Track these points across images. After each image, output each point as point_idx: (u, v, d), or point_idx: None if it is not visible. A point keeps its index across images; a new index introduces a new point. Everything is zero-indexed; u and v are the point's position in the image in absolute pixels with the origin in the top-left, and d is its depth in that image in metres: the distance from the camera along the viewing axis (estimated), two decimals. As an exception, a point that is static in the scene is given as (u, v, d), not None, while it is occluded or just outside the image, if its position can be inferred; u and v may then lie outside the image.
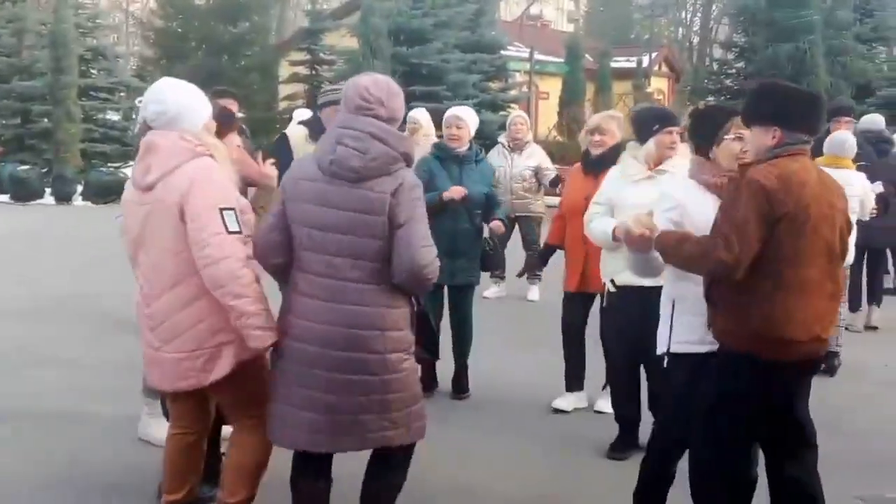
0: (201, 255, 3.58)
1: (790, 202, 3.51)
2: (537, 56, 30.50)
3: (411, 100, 21.13)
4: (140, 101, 4.28)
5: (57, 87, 20.43)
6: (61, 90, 20.42)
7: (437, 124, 22.76)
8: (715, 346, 3.83)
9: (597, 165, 5.76)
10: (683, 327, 3.99)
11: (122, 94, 23.55)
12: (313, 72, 26.66)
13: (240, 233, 3.64)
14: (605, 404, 5.92)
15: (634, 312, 5.10)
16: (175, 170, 3.66)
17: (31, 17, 22.51)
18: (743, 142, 3.92)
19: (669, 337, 4.04)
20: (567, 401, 6.13)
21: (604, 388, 5.96)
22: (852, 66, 20.06)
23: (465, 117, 6.31)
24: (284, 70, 27.60)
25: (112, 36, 39.20)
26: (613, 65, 32.46)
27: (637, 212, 3.96)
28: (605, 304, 5.46)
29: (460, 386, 6.44)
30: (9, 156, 21.25)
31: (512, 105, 24.56)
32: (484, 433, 5.69)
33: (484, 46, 24.00)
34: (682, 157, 5.34)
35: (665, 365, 4.10)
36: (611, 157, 5.64)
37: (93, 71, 23.06)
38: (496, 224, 6.25)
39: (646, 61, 34.00)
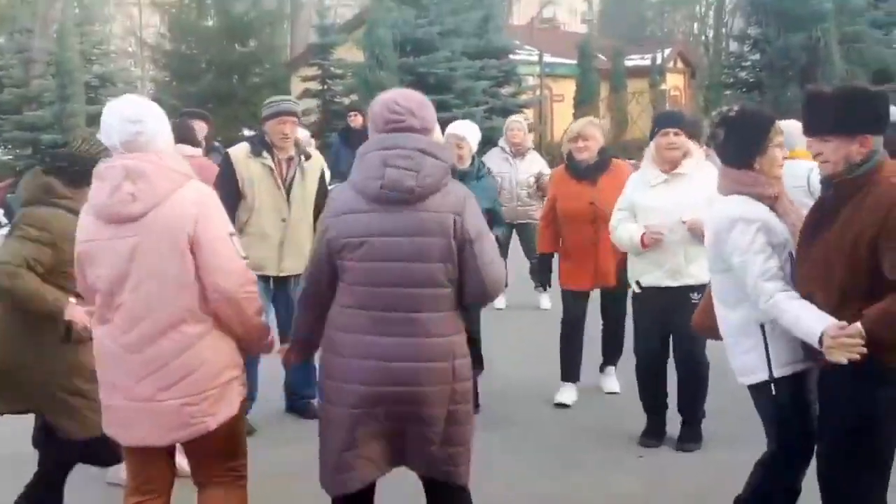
0: (222, 285, 3.33)
1: None
2: (549, 59, 30.28)
3: (420, 110, 21.21)
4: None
5: (64, 116, 20.41)
6: (69, 118, 20.41)
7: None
8: (811, 363, 3.64)
9: (590, 172, 6.11)
10: (783, 349, 3.71)
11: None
12: (325, 86, 26.53)
13: (246, 258, 3.47)
14: (611, 383, 6.57)
15: (660, 310, 5.39)
16: (169, 196, 3.33)
17: (37, 46, 22.49)
18: (783, 149, 3.81)
19: (769, 363, 3.73)
20: (568, 394, 6.39)
21: (602, 369, 6.64)
22: (868, 52, 19.59)
23: (466, 134, 6.09)
24: (297, 86, 27.50)
25: (129, 61, 39.40)
26: (628, 63, 32.24)
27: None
28: (632, 304, 5.66)
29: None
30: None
31: (523, 110, 24.33)
32: (501, 447, 5.55)
33: (492, 52, 23.77)
34: (695, 158, 5.43)
35: (773, 393, 3.75)
36: (603, 162, 6.14)
37: (103, 98, 23.03)
38: None
39: (660, 58, 33.63)
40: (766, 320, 3.69)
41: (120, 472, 4.86)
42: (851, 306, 3.39)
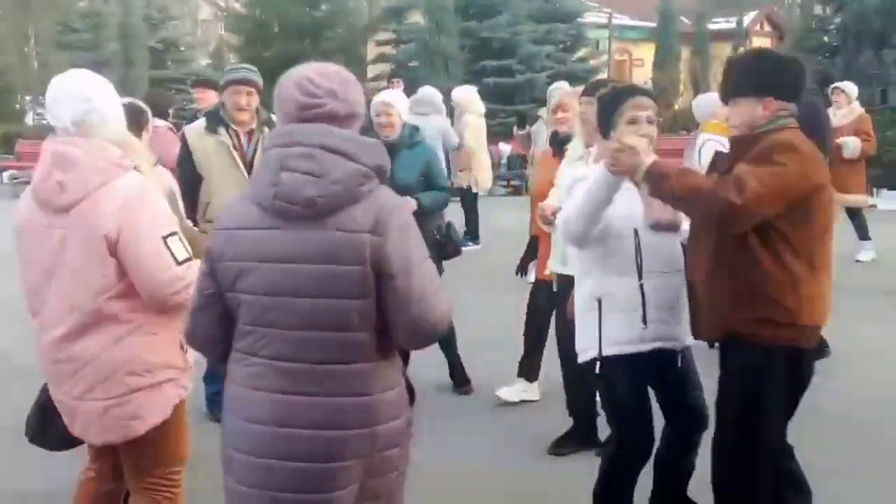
0: (152, 295, 3.12)
1: (822, 175, 3.35)
2: (628, 21, 29.53)
3: (482, 75, 20.81)
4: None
5: (127, 80, 20.69)
6: (132, 83, 20.69)
7: (507, 99, 21.90)
8: (656, 345, 3.66)
9: (561, 144, 5.50)
10: (615, 327, 3.66)
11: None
12: (398, 51, 26.32)
13: (189, 258, 3.17)
14: (507, 392, 5.92)
15: (558, 295, 5.11)
16: (99, 189, 3.07)
17: (105, 10, 22.85)
18: (640, 124, 3.69)
19: (600, 340, 3.68)
20: (513, 390, 5.95)
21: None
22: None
23: (394, 102, 5.84)
24: (372, 50, 27.47)
25: (219, 25, 39.97)
26: (713, 27, 31.17)
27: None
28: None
29: (461, 379, 6.32)
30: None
31: (592, 75, 23.76)
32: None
33: (560, 15, 23.21)
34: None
35: (598, 371, 3.71)
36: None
37: (169, 62, 23.34)
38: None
39: (746, 21, 32.42)
40: (603, 294, 3.67)
41: None
42: (727, 257, 3.39)
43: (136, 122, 4.03)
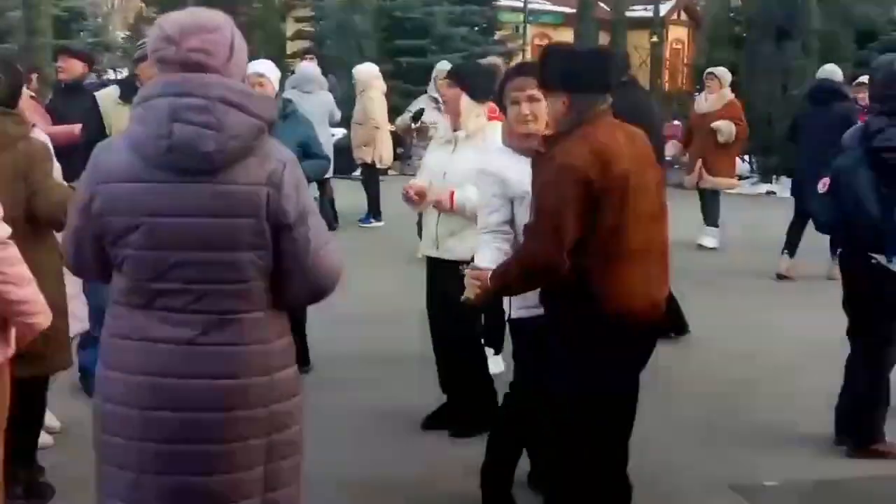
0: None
1: (606, 179, 3.30)
2: (546, 7, 29.69)
3: (396, 54, 20.68)
4: None
5: (30, 49, 20.06)
6: (35, 51, 20.05)
7: (421, 80, 21.83)
8: None
9: None
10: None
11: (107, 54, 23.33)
12: (317, 28, 26.12)
13: None
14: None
15: (431, 278, 5.12)
16: None
17: (9, -23, 22.13)
18: (521, 104, 3.79)
19: (510, 304, 3.97)
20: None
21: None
22: (853, 10, 18.85)
23: (267, 72, 5.72)
24: (291, 27, 27.23)
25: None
26: (631, 14, 31.46)
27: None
28: None
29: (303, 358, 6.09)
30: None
31: (508, 59, 23.82)
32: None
33: (476, -2, 23.16)
34: (467, 118, 4.84)
35: (508, 331, 4.19)
36: None
37: (75, 32, 22.73)
38: None
39: (664, 9, 32.82)
40: None
41: None
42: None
43: (19, 80, 4.17)
